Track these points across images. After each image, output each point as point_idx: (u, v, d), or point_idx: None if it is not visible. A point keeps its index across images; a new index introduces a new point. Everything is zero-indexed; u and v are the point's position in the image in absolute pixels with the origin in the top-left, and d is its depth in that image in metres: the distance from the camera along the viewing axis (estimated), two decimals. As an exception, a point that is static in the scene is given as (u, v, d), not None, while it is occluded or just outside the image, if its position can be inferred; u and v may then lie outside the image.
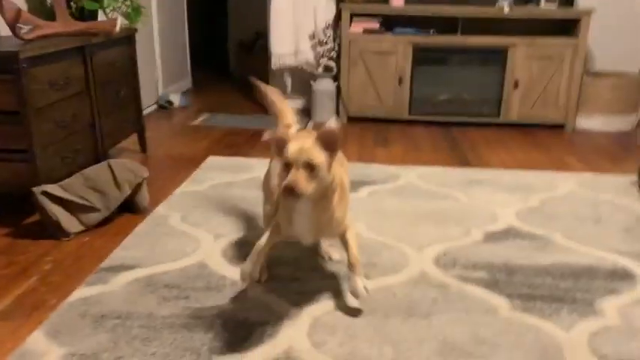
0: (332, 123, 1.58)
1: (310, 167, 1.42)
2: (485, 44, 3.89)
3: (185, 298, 1.74)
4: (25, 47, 2.15)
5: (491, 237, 2.21)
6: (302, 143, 1.44)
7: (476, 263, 1.99)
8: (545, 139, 3.75)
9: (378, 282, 1.85)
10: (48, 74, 2.24)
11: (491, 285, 1.85)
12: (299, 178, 1.41)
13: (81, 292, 1.75)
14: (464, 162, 3.22)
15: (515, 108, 3.97)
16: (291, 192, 1.41)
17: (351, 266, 1.66)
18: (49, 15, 2.64)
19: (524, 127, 3.99)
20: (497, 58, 3.90)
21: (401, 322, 1.63)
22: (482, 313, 1.68)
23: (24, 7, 2.63)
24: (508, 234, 2.24)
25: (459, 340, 1.56)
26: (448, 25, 3.93)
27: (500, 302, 1.75)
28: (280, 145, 1.47)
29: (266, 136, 1.52)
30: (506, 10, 3.78)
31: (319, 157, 1.43)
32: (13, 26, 2.18)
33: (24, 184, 2.13)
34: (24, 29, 2.27)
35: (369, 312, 1.68)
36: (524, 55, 3.85)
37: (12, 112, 2.11)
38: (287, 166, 1.44)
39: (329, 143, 1.45)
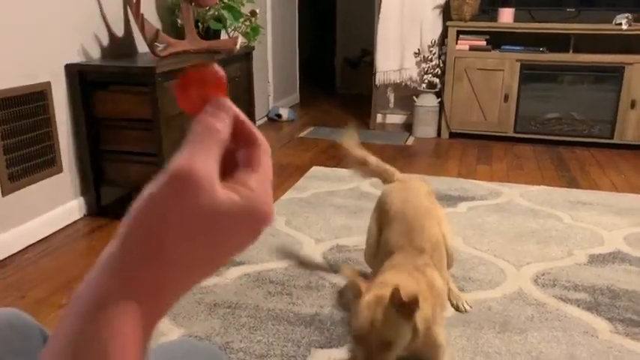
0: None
1: (385, 345, 1.20)
2: (599, 62, 3.73)
3: (288, 294, 1.88)
4: (160, 63, 2.43)
5: (596, 259, 2.15)
6: (373, 313, 1.20)
7: (577, 285, 1.95)
8: (665, 163, 3.52)
9: (472, 295, 1.88)
10: (177, 87, 2.52)
11: (593, 307, 1.81)
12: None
13: (197, 282, 1.95)
14: (571, 182, 3.12)
15: (631, 129, 3.76)
16: None
17: None
18: (179, 34, 2.95)
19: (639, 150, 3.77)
20: (613, 76, 3.73)
21: (494, 335, 1.66)
22: (580, 334, 1.66)
23: (158, 26, 2.96)
24: (615, 258, 2.16)
25: (553, 357, 1.55)
26: (560, 43, 3.83)
27: (600, 325, 1.71)
28: (355, 291, 1.28)
29: (345, 271, 1.37)
30: (625, 26, 3.61)
31: (396, 332, 1.20)
32: (151, 45, 2.48)
33: (153, 183, 2.41)
34: (159, 47, 2.57)
35: (462, 323, 1.72)
36: (643, 74, 3.65)
37: (147, 120, 2.40)
38: (356, 340, 1.24)
39: (406, 305, 1.19)
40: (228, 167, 0.39)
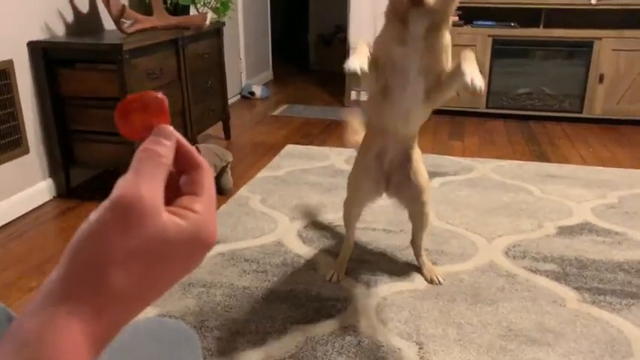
0: None
1: None
2: (569, 37, 3.77)
3: (263, 272, 1.88)
4: (127, 40, 2.37)
5: (565, 231, 2.20)
6: None
7: (546, 256, 2.00)
8: (631, 136, 3.60)
9: (445, 268, 1.91)
10: (145, 64, 2.46)
11: (561, 277, 1.86)
12: None
13: (171, 262, 1.94)
14: (541, 157, 3.17)
15: (599, 103, 3.83)
16: (416, 2, 1.38)
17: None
18: (147, 10, 2.88)
19: (608, 123, 3.84)
20: (582, 51, 3.77)
21: (466, 306, 1.69)
22: (549, 303, 1.71)
23: (124, 1, 2.88)
24: (582, 229, 2.22)
25: (523, 327, 1.59)
26: (530, 18, 3.85)
27: (568, 294, 1.76)
28: None
29: None
30: (594, 1, 3.65)
31: None
32: (117, 21, 2.41)
33: (124, 163, 2.36)
34: (126, 24, 2.50)
35: (435, 295, 1.75)
36: (611, 48, 3.70)
37: (115, 99, 2.35)
38: None
39: None
40: (172, 191, 0.39)
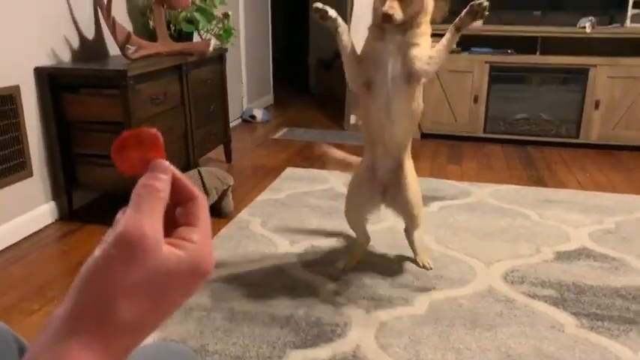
0: None
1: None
2: (565, 64, 3.84)
3: (263, 296, 1.90)
4: (132, 66, 2.42)
5: (562, 256, 2.22)
6: None
7: (544, 281, 2.01)
8: (627, 161, 3.64)
9: (444, 293, 1.93)
10: (149, 90, 2.51)
11: (559, 303, 1.87)
12: (394, 5, 1.65)
13: (172, 285, 1.95)
14: (538, 181, 3.21)
15: (595, 129, 3.88)
16: (385, 19, 1.65)
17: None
18: (151, 36, 2.94)
19: (604, 149, 3.89)
20: (578, 78, 3.84)
21: (465, 332, 1.70)
22: (547, 329, 1.72)
23: (129, 28, 2.94)
24: (580, 254, 2.24)
25: (522, 352, 1.60)
26: (527, 45, 3.92)
27: (567, 320, 1.77)
28: None
29: None
30: (589, 30, 3.72)
31: None
32: (123, 47, 2.46)
33: (126, 187, 2.39)
34: (131, 50, 2.56)
35: (434, 320, 1.76)
36: (606, 76, 3.77)
37: (118, 123, 2.38)
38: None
39: None
40: (168, 222, 0.41)
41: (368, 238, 2.14)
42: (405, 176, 1.90)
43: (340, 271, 2.05)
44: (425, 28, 1.76)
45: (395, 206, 1.96)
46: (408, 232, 2.12)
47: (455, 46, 3.96)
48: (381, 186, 1.92)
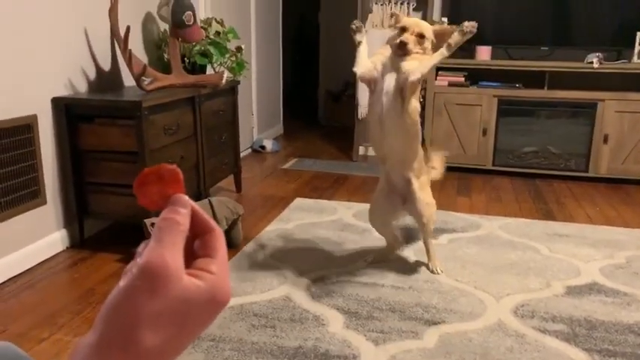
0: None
1: (420, 36, 1.98)
2: (573, 98, 3.88)
3: (272, 327, 1.89)
4: (146, 97, 2.47)
5: (573, 291, 2.20)
6: (419, 20, 2.06)
7: (555, 316, 2.00)
8: (637, 196, 3.63)
9: (454, 327, 1.91)
10: (163, 120, 2.56)
11: (570, 338, 1.85)
12: (409, 38, 1.96)
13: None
14: (548, 215, 3.20)
15: (604, 163, 3.89)
16: (401, 47, 1.96)
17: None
18: (166, 68, 3.01)
19: (613, 183, 3.88)
20: (586, 112, 3.87)
21: (475, 366, 1.68)
22: (558, 365, 1.70)
23: (145, 60, 3.01)
24: (591, 289, 2.22)
25: (533, 388, 1.58)
26: (535, 79, 3.97)
27: (578, 355, 1.75)
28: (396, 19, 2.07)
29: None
30: (596, 65, 3.77)
31: (429, 32, 2.01)
32: (138, 79, 2.52)
33: (137, 215, 2.41)
34: (146, 81, 2.62)
35: (444, 354, 1.75)
36: (614, 110, 3.80)
37: (132, 152, 2.42)
38: (402, 30, 1.99)
39: (441, 36, 2.00)
40: (187, 254, 0.43)
41: (397, 240, 2.46)
42: (414, 191, 2.18)
43: (367, 263, 2.36)
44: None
45: (411, 214, 2.28)
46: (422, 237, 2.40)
47: (463, 79, 4.05)
48: (400, 196, 2.25)
